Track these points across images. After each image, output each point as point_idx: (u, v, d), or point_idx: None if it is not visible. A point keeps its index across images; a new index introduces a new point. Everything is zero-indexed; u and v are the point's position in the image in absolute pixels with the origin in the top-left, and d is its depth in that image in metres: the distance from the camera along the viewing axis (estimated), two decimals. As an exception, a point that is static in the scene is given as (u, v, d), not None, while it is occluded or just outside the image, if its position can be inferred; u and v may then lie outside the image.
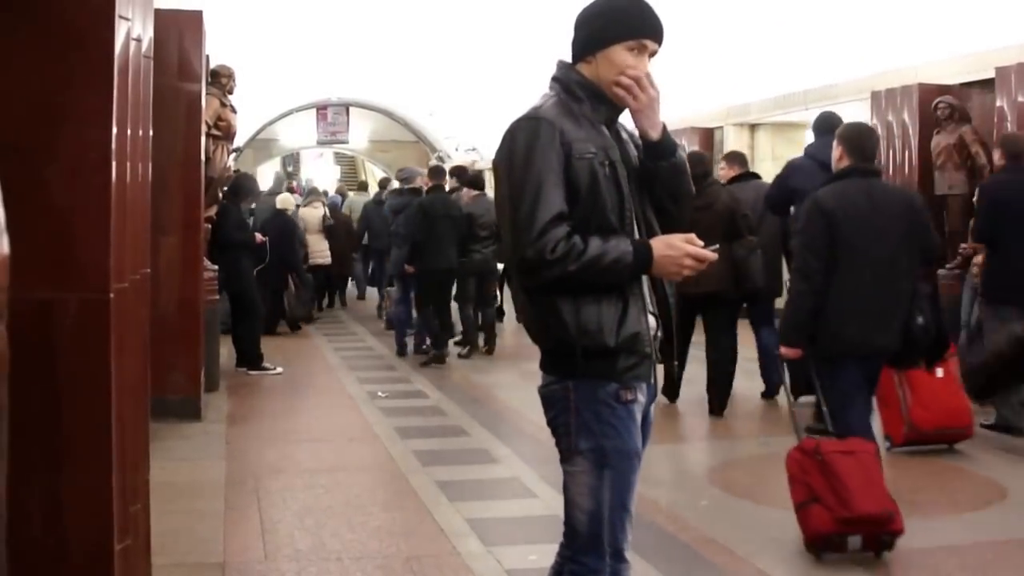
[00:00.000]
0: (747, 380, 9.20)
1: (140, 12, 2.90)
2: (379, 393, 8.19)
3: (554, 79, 2.67)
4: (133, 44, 2.76)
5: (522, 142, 2.48)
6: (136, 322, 2.89)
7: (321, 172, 33.97)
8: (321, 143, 28.45)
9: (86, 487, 2.59)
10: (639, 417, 2.56)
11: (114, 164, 2.53)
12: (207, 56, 7.73)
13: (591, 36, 2.61)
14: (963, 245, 8.90)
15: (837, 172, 4.61)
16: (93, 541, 2.59)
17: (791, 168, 7.00)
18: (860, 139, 4.67)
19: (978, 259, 8.72)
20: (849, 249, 4.36)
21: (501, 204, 2.53)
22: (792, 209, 6.38)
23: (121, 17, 2.58)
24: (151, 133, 3.44)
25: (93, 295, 2.55)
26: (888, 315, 4.41)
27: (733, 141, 13.81)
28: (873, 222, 4.38)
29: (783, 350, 4.55)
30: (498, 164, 2.53)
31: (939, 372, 5.89)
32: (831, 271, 4.34)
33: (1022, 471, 5.80)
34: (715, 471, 5.67)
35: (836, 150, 4.63)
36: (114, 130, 2.53)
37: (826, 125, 6.79)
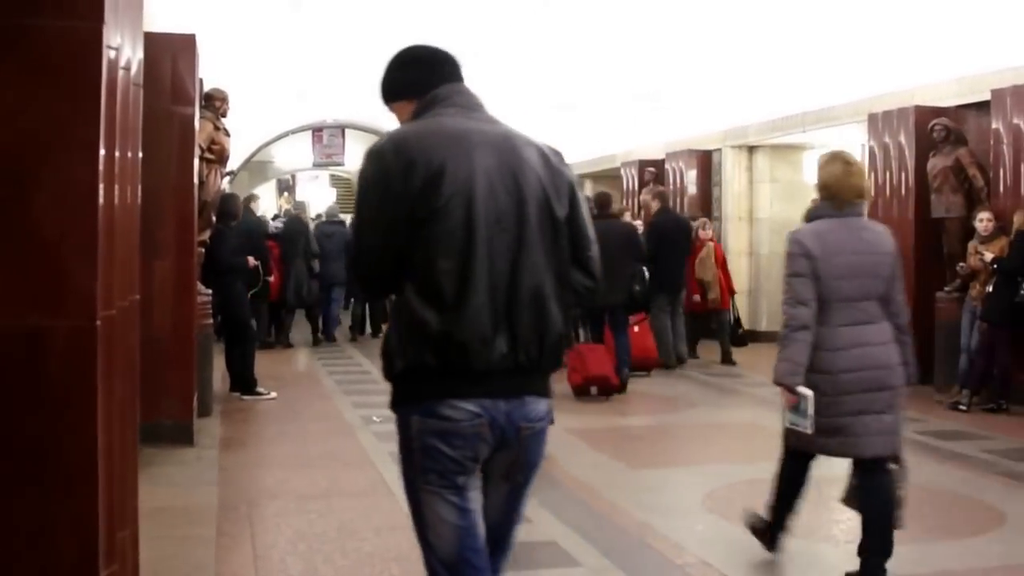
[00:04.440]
0: (747, 409, 9.19)
1: (129, 39, 2.91)
2: (374, 418, 8.15)
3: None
4: (122, 72, 2.76)
5: None
6: (124, 349, 2.88)
7: (317, 194, 34.04)
8: (317, 165, 28.57)
9: (72, 513, 2.57)
10: None
11: (102, 191, 2.53)
12: (200, 79, 7.74)
13: None
14: (960, 264, 8.92)
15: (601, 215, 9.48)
16: (78, 568, 2.57)
17: None
18: (603, 198, 10.29)
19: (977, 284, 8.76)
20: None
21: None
22: None
23: (108, 47, 2.58)
24: (140, 157, 3.43)
25: (80, 323, 2.54)
26: (616, 287, 8.74)
27: (731, 163, 13.86)
28: (609, 240, 7.15)
29: None
30: (577, 186, 2.69)
31: (635, 328, 10.15)
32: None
33: (1021, 497, 5.77)
34: (710, 496, 5.64)
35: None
36: (102, 158, 2.52)
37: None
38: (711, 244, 11.88)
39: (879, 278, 4.23)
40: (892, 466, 4.25)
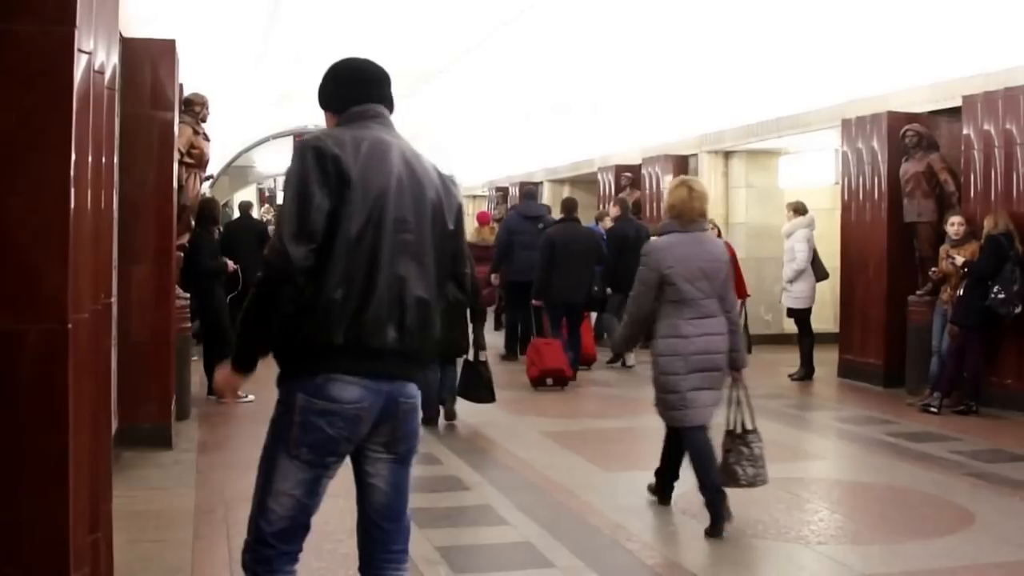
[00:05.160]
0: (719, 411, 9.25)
1: (104, 43, 2.93)
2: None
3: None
4: (95, 77, 2.78)
5: None
6: (97, 352, 2.90)
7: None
8: (298, 170, 28.47)
9: (42, 515, 2.59)
10: None
11: (73, 195, 2.55)
12: (181, 84, 7.76)
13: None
14: (932, 269, 9.03)
15: (558, 220, 10.76)
16: (48, 569, 2.59)
17: (508, 219, 12.42)
18: (569, 202, 10.79)
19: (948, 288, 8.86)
20: (560, 255, 9.95)
21: None
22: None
23: (81, 51, 2.60)
24: (116, 162, 3.45)
25: (51, 326, 2.56)
26: (579, 286, 10.07)
27: (708, 168, 13.96)
28: (575, 243, 9.54)
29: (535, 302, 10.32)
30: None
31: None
32: (552, 267, 9.94)
33: (990, 497, 5.85)
34: (681, 497, 5.69)
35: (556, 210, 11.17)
36: (74, 162, 2.55)
37: (531, 192, 12.91)
38: None
39: (718, 280, 5.18)
40: (746, 432, 5.20)
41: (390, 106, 2.98)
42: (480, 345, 8.01)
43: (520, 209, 12.20)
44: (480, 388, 7.98)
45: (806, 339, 10.59)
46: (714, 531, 5.01)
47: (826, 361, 10.68)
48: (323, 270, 2.64)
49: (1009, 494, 5.91)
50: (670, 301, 5.11)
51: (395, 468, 2.89)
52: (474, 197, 23.78)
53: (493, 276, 11.93)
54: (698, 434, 5.17)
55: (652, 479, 5.69)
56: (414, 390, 2.87)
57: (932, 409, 8.44)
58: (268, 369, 8.02)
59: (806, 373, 10.53)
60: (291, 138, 26.61)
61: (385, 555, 2.95)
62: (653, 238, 5.43)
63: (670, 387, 5.11)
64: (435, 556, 4.68)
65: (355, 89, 2.93)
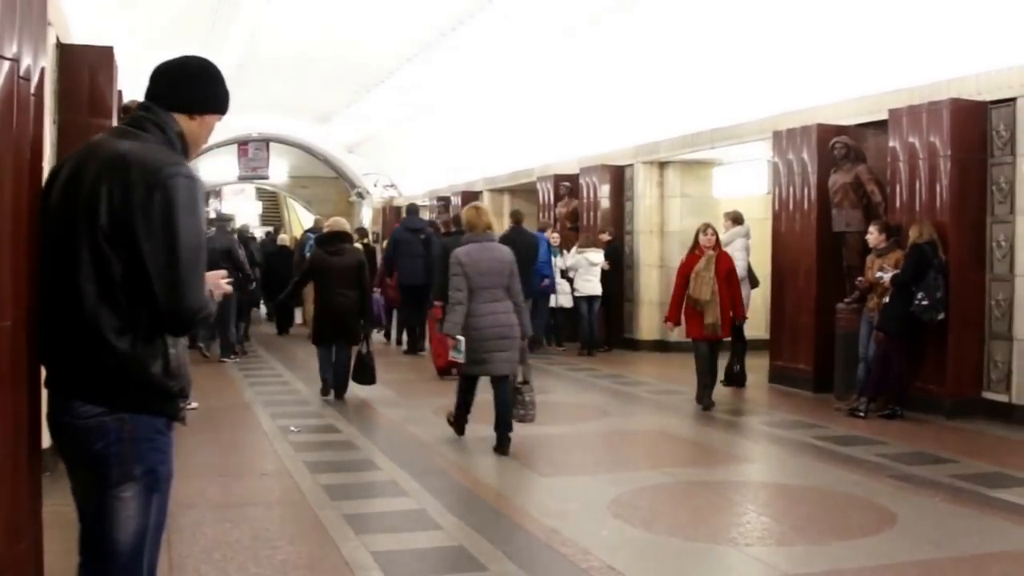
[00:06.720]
0: (656, 416, 9.37)
1: (30, 49, 2.90)
2: (291, 428, 8.16)
3: (152, 122, 2.73)
4: (20, 82, 2.76)
5: (187, 197, 2.57)
6: (22, 359, 2.87)
7: (243, 208, 33.62)
8: (242, 178, 28.33)
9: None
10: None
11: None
12: (120, 92, 7.68)
13: (205, 97, 2.83)
14: (859, 279, 9.25)
15: (453, 233, 11.44)
16: (-30, 579, 2.56)
17: (395, 232, 14.09)
18: (459, 217, 10.35)
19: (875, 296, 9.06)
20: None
21: (175, 252, 2.53)
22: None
23: (2, 57, 2.60)
24: (45, 168, 3.42)
25: (-31, 333, 2.53)
26: None
27: (643, 178, 14.15)
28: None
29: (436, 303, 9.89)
30: (156, 212, 2.51)
31: None
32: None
33: (912, 498, 6.01)
34: (616, 502, 5.77)
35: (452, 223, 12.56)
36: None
37: (413, 208, 14.51)
38: (712, 253, 9.16)
39: (503, 275, 7.17)
40: (521, 384, 7.38)
41: (155, 99, 2.78)
42: (368, 338, 9.81)
43: (405, 223, 13.99)
44: (365, 373, 9.72)
45: (739, 345, 10.77)
46: (499, 451, 7.13)
47: (757, 367, 10.87)
48: None
49: (930, 495, 6.08)
50: (469, 290, 7.04)
51: (85, 492, 2.74)
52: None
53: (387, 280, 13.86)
54: (470, 382, 7.42)
55: (583, 484, 5.78)
56: (82, 411, 2.60)
57: (859, 414, 8.65)
58: (212, 380, 7.99)
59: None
60: (235, 146, 26.37)
61: None
62: (456, 248, 7.28)
63: (472, 349, 7.05)
64: (369, 562, 4.70)
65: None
